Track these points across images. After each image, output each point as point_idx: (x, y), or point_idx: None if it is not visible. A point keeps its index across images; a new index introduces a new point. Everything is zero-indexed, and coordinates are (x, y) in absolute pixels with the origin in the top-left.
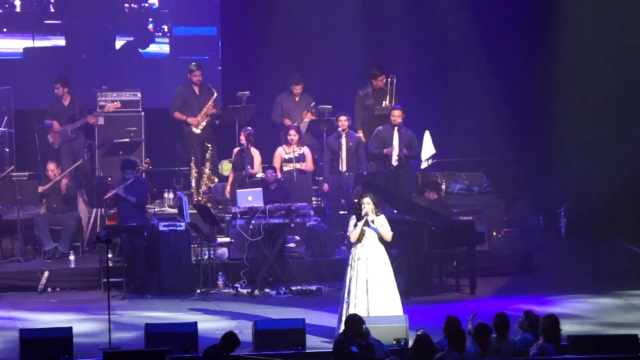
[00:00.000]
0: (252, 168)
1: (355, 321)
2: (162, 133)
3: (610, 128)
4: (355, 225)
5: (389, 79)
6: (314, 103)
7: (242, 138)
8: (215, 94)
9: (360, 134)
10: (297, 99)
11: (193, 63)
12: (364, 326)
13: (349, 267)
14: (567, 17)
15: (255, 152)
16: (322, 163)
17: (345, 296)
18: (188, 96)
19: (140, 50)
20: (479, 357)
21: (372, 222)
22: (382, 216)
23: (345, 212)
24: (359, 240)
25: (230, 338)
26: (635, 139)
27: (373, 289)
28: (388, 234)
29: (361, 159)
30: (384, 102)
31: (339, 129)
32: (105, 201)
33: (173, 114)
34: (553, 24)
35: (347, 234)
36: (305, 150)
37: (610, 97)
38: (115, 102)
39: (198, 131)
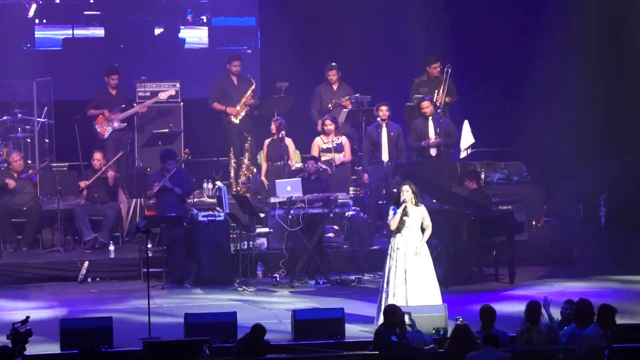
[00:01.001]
0: (289, 158)
1: (393, 312)
2: (201, 124)
3: None
4: (395, 213)
5: (446, 69)
6: (358, 94)
7: (273, 128)
8: (254, 84)
9: None
10: (334, 88)
11: (232, 53)
12: (407, 317)
13: (388, 257)
14: (609, 5)
15: (289, 142)
16: (361, 153)
17: (385, 286)
18: (226, 87)
19: (179, 41)
20: (602, 337)
21: (407, 213)
22: (423, 207)
23: (384, 202)
24: (399, 230)
25: (256, 330)
26: None
27: (412, 279)
28: (429, 229)
29: (401, 149)
30: (436, 91)
31: (379, 119)
32: (148, 194)
33: (212, 105)
34: (594, 13)
35: (387, 222)
36: (344, 139)
37: None
38: (169, 89)
39: (237, 121)
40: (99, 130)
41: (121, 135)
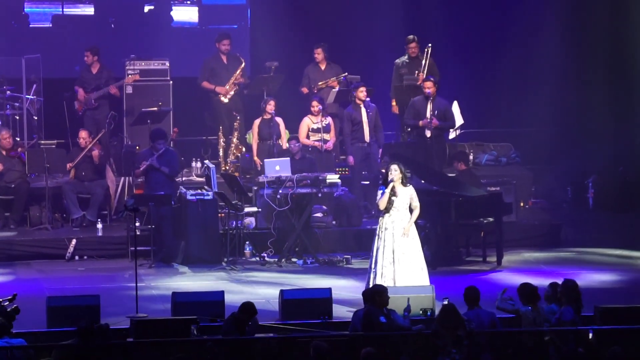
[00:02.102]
0: (280, 137)
1: (382, 292)
2: (190, 102)
3: (638, 99)
4: (383, 193)
5: (426, 49)
6: (346, 74)
7: (271, 108)
8: (243, 63)
9: (394, 103)
10: (322, 67)
11: (221, 32)
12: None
13: (377, 237)
14: None
15: (279, 121)
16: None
17: (372, 266)
18: (216, 65)
19: (169, 19)
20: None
21: (395, 194)
22: (411, 187)
23: (368, 183)
24: (387, 210)
25: (246, 309)
26: None
27: (399, 259)
28: (417, 210)
29: (379, 128)
30: (416, 72)
31: (366, 99)
32: (136, 172)
33: (201, 84)
34: None
35: (376, 202)
36: (329, 120)
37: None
38: (134, 74)
39: (226, 100)
40: (76, 106)
41: (95, 114)
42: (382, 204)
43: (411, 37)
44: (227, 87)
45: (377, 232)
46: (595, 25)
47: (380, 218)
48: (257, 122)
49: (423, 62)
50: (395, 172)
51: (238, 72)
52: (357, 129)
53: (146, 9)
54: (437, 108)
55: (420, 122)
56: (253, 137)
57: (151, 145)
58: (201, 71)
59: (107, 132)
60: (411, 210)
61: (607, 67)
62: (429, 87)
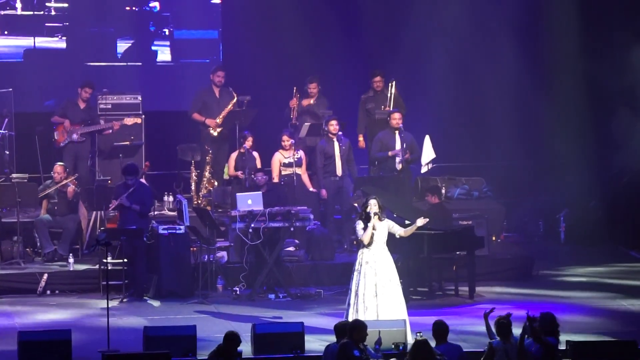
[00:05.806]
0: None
1: (360, 327)
2: (162, 136)
3: (610, 134)
4: (365, 227)
5: (390, 83)
6: (331, 112)
7: (249, 143)
8: (235, 98)
9: (361, 138)
10: (311, 101)
11: (217, 64)
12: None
13: (356, 272)
14: (568, 21)
15: (256, 155)
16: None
17: (352, 300)
18: (208, 98)
19: (141, 53)
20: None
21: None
22: (386, 219)
23: (340, 217)
24: (369, 244)
25: (230, 337)
26: (637, 144)
27: (382, 293)
28: (400, 231)
29: (352, 161)
30: (382, 106)
31: (339, 133)
32: (109, 207)
33: (192, 115)
34: (554, 28)
35: (359, 238)
36: (302, 154)
37: (611, 102)
38: (137, 118)
39: (215, 133)
40: (56, 137)
41: (79, 150)
42: (367, 238)
43: (376, 71)
44: (218, 120)
45: (356, 266)
46: (564, 60)
47: (360, 252)
48: (233, 155)
49: (388, 95)
50: (374, 207)
51: (229, 106)
52: (329, 163)
53: (119, 43)
54: (404, 141)
55: (390, 152)
56: (229, 170)
57: (124, 180)
58: (193, 103)
59: (87, 168)
60: (388, 245)
61: (578, 102)
62: (398, 118)
